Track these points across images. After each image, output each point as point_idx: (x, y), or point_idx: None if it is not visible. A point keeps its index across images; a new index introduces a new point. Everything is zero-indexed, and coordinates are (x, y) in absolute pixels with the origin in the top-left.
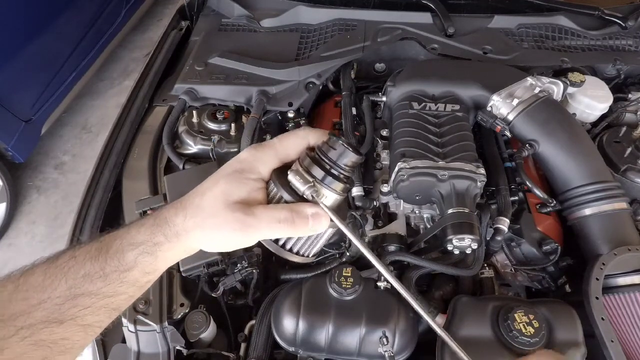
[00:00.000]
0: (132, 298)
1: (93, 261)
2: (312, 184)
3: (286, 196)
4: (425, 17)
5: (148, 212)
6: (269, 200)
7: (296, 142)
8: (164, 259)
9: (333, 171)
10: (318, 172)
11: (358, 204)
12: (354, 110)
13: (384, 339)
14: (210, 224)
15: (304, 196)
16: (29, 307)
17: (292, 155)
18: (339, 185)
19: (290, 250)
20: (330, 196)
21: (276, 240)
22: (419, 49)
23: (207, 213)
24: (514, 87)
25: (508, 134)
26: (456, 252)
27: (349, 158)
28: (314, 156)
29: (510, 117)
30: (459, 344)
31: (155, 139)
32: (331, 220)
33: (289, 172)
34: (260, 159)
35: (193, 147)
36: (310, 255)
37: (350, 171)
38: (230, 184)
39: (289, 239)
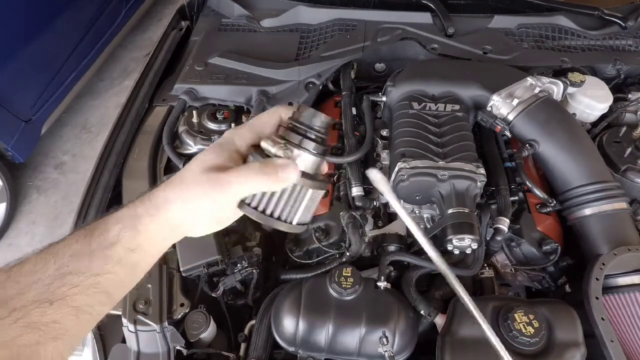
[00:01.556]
0: (121, 283)
1: (80, 241)
2: (283, 144)
3: (257, 157)
4: (425, 17)
5: None
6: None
7: (268, 116)
8: (146, 234)
9: (305, 133)
10: (291, 136)
11: (358, 204)
12: (354, 110)
13: (384, 339)
14: (188, 193)
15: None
16: (20, 289)
17: (266, 129)
18: (311, 144)
19: (272, 215)
20: (304, 156)
21: (256, 207)
22: (419, 49)
23: (186, 182)
24: (514, 87)
25: (508, 134)
26: (456, 252)
27: (319, 118)
28: (287, 124)
29: (510, 117)
30: (459, 344)
31: (155, 139)
32: (306, 177)
33: (261, 141)
34: (237, 133)
35: (193, 147)
36: (294, 222)
37: (323, 132)
38: (207, 155)
39: (268, 202)
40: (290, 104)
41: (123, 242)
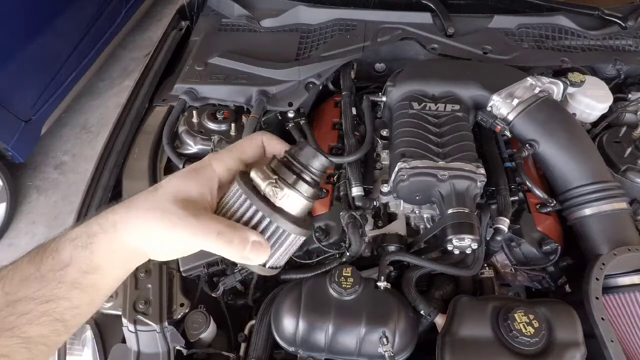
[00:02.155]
0: (78, 309)
1: (30, 263)
2: (274, 181)
3: (243, 188)
4: (425, 17)
5: None
6: (223, 201)
7: (250, 141)
8: (103, 256)
9: (300, 173)
10: (284, 172)
11: (358, 204)
12: (354, 110)
13: (384, 339)
14: (152, 216)
15: (264, 194)
16: None
17: (249, 153)
18: (304, 187)
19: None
20: (293, 198)
21: None
22: (419, 49)
23: (153, 205)
24: (514, 87)
25: (508, 134)
26: (456, 252)
27: (319, 161)
28: (282, 158)
29: (510, 117)
30: (459, 344)
31: (155, 139)
32: (290, 220)
33: (251, 170)
34: (216, 158)
35: (193, 147)
36: (267, 265)
37: (319, 176)
38: (182, 181)
39: None
40: (290, 104)
41: (77, 264)
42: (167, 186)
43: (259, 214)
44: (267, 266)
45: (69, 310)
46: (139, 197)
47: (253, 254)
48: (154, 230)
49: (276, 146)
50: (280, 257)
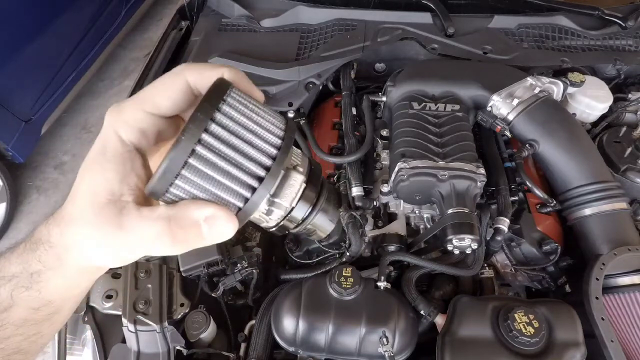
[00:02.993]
0: (36, 337)
1: None
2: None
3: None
4: (425, 17)
5: None
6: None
7: (164, 83)
8: (54, 288)
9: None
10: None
11: (358, 204)
12: (354, 110)
13: (384, 339)
14: (87, 234)
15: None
16: None
17: (163, 102)
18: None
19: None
20: None
21: None
22: (419, 49)
23: (81, 221)
24: (514, 87)
25: (508, 134)
26: (456, 252)
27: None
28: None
29: (510, 117)
30: (459, 344)
31: None
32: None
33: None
34: (118, 123)
35: None
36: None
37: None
38: (94, 176)
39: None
40: (290, 104)
41: (23, 304)
42: (82, 189)
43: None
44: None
45: (24, 341)
46: (65, 213)
47: (215, 231)
48: (101, 251)
49: (205, 79)
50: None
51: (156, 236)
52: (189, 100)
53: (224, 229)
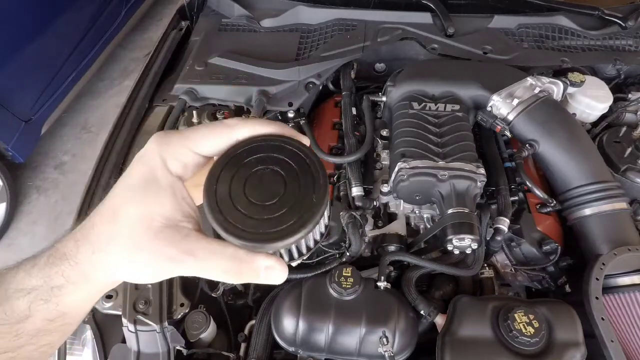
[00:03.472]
0: (46, 346)
1: None
2: None
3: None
4: (425, 17)
5: None
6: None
7: (212, 131)
8: (72, 302)
9: None
10: None
11: (358, 204)
12: (354, 110)
13: (384, 339)
14: (135, 258)
15: None
16: None
17: (208, 147)
18: None
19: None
20: None
21: None
22: (419, 49)
23: (127, 245)
24: (514, 87)
25: (508, 134)
26: (456, 252)
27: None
28: None
29: (510, 117)
30: (459, 344)
31: None
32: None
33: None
34: (168, 152)
35: None
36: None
37: None
38: (145, 201)
39: None
40: (290, 104)
41: (39, 316)
42: (129, 213)
43: None
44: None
45: (35, 351)
46: (99, 233)
47: (270, 279)
48: (145, 271)
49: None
50: (303, 251)
51: (225, 271)
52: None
53: (278, 278)
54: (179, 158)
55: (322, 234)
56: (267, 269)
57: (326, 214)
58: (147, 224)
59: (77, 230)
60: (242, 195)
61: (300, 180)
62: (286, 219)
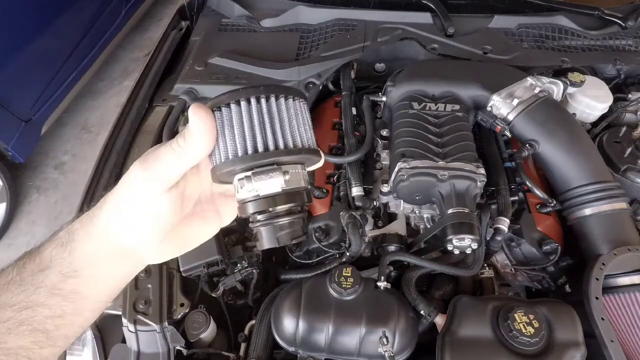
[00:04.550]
0: (61, 319)
1: (14, 266)
2: None
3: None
4: (425, 17)
5: None
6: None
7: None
8: (81, 255)
9: None
10: None
11: (358, 204)
12: (354, 110)
13: (384, 339)
14: (123, 198)
15: None
16: None
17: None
18: None
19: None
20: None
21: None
22: (419, 49)
23: (121, 190)
24: (514, 87)
25: (508, 134)
26: (456, 252)
27: None
28: None
29: (510, 117)
30: (459, 344)
31: (155, 139)
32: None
33: None
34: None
35: None
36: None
37: None
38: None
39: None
40: None
41: (57, 266)
42: (131, 174)
43: None
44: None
45: (50, 320)
46: (105, 199)
47: (195, 136)
48: (128, 203)
49: None
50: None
51: (171, 148)
52: None
53: (202, 114)
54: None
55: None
56: (189, 127)
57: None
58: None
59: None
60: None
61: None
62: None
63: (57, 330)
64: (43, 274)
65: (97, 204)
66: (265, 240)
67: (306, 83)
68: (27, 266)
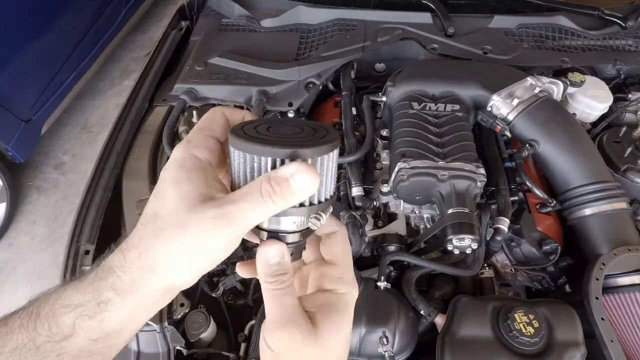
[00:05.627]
0: None
1: (22, 329)
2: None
3: (250, 146)
4: (425, 17)
5: None
6: (234, 176)
7: (214, 115)
8: (117, 320)
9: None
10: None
11: (358, 204)
12: (354, 110)
13: (384, 339)
14: (182, 241)
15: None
16: None
17: (218, 130)
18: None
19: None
20: None
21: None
22: (419, 49)
23: (172, 234)
24: (514, 87)
25: (508, 134)
26: (456, 252)
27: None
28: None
29: (510, 117)
30: (459, 344)
31: (155, 139)
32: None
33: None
34: (191, 146)
35: None
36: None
37: None
38: (179, 187)
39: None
40: (290, 104)
41: (83, 334)
42: (168, 201)
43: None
44: (319, 199)
45: None
46: (143, 235)
47: (299, 185)
48: (196, 252)
49: (238, 115)
50: (327, 183)
51: (263, 194)
52: (226, 129)
53: (308, 181)
54: (202, 145)
55: (331, 195)
56: (294, 175)
57: (335, 168)
58: (185, 202)
59: (123, 242)
60: (265, 131)
61: (316, 132)
62: (306, 138)
63: None
64: (66, 342)
65: (124, 252)
66: None
67: (306, 83)
68: (40, 333)
